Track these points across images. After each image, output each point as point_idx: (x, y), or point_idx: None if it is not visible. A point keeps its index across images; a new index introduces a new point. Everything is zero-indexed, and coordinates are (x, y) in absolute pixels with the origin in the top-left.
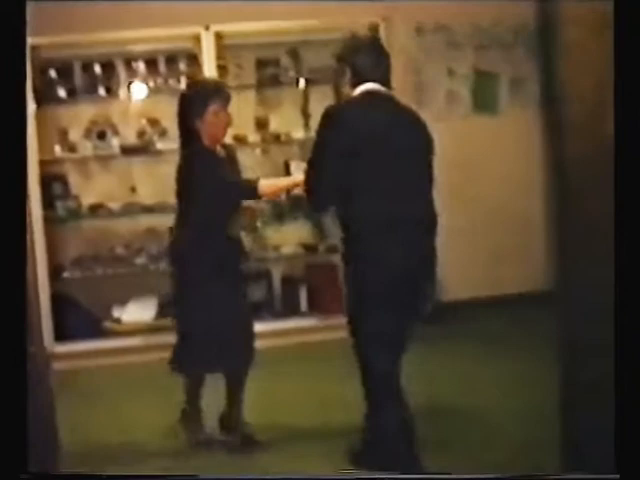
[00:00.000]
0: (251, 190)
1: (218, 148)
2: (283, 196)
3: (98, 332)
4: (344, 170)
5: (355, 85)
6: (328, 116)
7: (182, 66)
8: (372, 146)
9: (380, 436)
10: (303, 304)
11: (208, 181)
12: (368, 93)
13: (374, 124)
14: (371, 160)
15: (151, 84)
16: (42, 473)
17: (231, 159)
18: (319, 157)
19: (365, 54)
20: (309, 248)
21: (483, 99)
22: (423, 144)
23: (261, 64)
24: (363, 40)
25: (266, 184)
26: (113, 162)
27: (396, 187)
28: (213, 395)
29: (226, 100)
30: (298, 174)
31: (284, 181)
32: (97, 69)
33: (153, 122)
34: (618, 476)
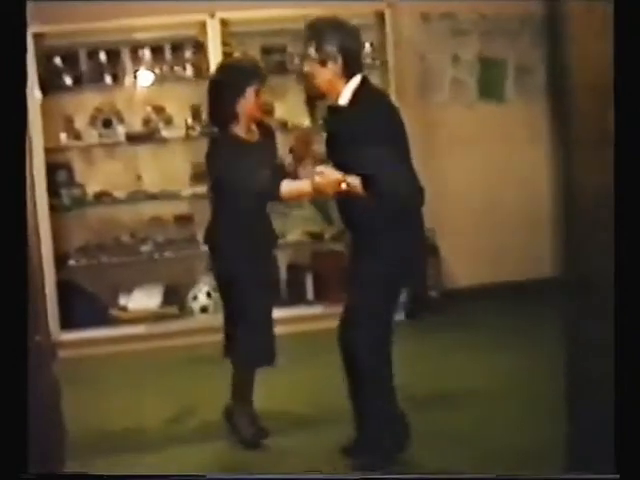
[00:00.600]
0: (271, 192)
1: (253, 130)
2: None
3: (104, 320)
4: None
5: (345, 75)
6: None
7: (188, 54)
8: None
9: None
10: (309, 292)
11: (231, 173)
12: (365, 87)
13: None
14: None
15: (157, 72)
16: (42, 473)
17: (267, 142)
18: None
19: (355, 41)
20: (315, 236)
21: (489, 87)
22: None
23: (266, 51)
24: (348, 25)
25: (288, 188)
26: (118, 150)
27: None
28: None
29: (263, 80)
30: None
31: (307, 187)
32: (102, 57)
33: (158, 110)
34: (618, 476)
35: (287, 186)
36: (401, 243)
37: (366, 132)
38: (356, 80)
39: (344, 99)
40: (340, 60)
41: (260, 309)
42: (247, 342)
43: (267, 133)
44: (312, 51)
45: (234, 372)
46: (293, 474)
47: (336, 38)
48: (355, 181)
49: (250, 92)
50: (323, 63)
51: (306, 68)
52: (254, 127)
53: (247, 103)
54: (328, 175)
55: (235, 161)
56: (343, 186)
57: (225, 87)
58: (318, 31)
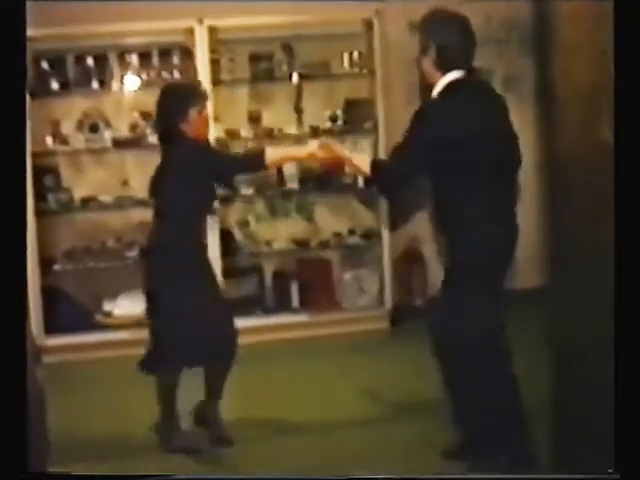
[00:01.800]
0: (257, 160)
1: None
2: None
3: (89, 325)
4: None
5: (441, 69)
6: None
7: (175, 60)
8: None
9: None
10: (295, 300)
11: (202, 165)
12: (461, 84)
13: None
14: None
15: (144, 77)
16: (42, 473)
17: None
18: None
19: (455, 38)
20: (301, 243)
21: None
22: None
23: (254, 58)
24: (450, 17)
25: (273, 152)
26: (105, 155)
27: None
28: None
29: (205, 100)
30: (309, 146)
31: (294, 151)
32: (90, 61)
33: (146, 115)
34: (618, 476)
35: (273, 152)
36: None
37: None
38: (452, 75)
39: (436, 91)
40: (434, 53)
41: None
42: (157, 346)
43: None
44: (419, 39)
45: (158, 382)
46: (293, 474)
47: (433, 30)
48: (362, 162)
49: (192, 113)
50: (423, 52)
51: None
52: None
53: (189, 123)
54: (334, 149)
55: (206, 150)
56: (347, 169)
57: (167, 110)
58: (424, 22)
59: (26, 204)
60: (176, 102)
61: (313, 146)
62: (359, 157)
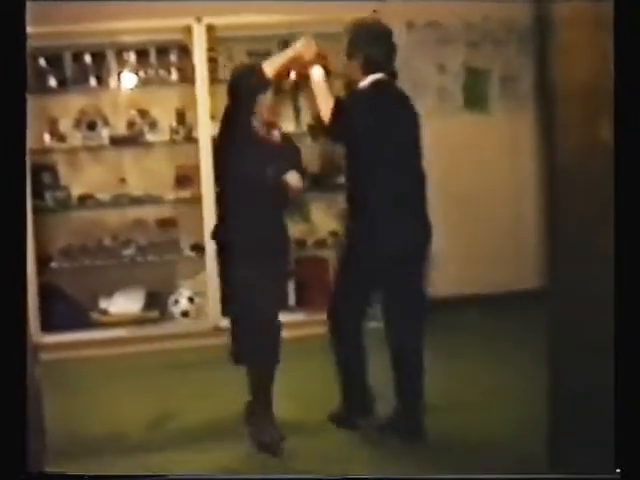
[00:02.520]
0: (258, 74)
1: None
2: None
3: (85, 323)
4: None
5: (365, 73)
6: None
7: (173, 58)
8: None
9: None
10: (291, 298)
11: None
12: (378, 82)
13: (385, 111)
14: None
15: (142, 75)
16: (42, 473)
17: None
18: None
19: (379, 45)
20: (298, 242)
21: (474, 96)
22: (418, 131)
23: (252, 56)
24: (375, 29)
25: (268, 64)
26: (103, 153)
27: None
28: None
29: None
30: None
31: (285, 54)
32: (88, 59)
33: (143, 113)
34: (618, 476)
35: (268, 63)
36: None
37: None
38: (376, 76)
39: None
40: (361, 59)
41: (266, 309)
42: (255, 342)
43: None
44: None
45: (250, 374)
46: (292, 474)
47: (361, 40)
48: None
49: (267, 97)
50: (350, 57)
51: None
52: (275, 132)
53: (262, 108)
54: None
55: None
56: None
57: (246, 91)
58: (353, 31)
59: (26, 202)
60: (253, 85)
61: (300, 44)
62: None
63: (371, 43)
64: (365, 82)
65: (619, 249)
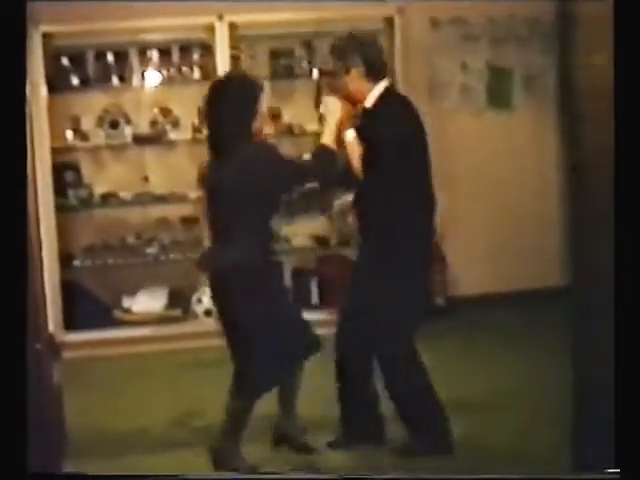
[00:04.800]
0: (329, 154)
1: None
2: None
3: (108, 321)
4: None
5: (371, 80)
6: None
7: (195, 56)
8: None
9: None
10: (314, 296)
11: (278, 183)
12: (390, 91)
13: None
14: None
15: (164, 73)
16: (42, 473)
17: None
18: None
19: (375, 51)
20: (321, 241)
21: (497, 94)
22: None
23: (275, 55)
24: (365, 36)
25: (327, 138)
26: (125, 151)
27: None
28: None
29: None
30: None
31: (331, 124)
32: (110, 58)
33: (166, 112)
34: (618, 476)
35: (326, 138)
36: None
37: (382, 131)
38: (382, 84)
39: (369, 103)
40: (363, 66)
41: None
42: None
43: None
44: (338, 64)
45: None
46: (292, 474)
47: (356, 47)
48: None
49: (261, 109)
50: (348, 70)
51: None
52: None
53: (258, 118)
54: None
55: (278, 156)
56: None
57: (239, 103)
58: (342, 43)
59: (27, 202)
60: (247, 95)
61: (334, 107)
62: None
63: (368, 46)
64: (374, 94)
65: (619, 249)
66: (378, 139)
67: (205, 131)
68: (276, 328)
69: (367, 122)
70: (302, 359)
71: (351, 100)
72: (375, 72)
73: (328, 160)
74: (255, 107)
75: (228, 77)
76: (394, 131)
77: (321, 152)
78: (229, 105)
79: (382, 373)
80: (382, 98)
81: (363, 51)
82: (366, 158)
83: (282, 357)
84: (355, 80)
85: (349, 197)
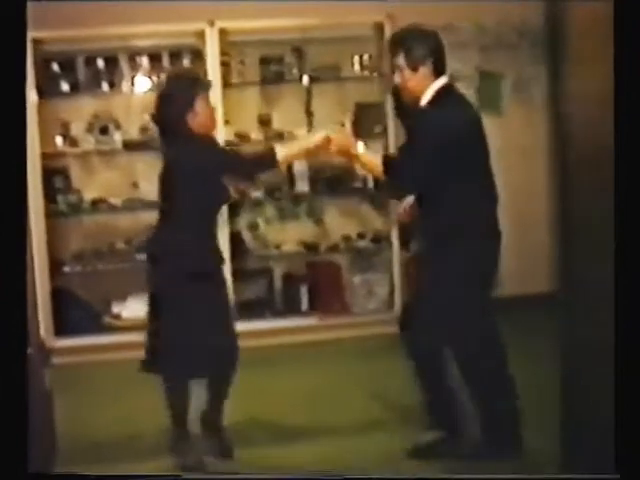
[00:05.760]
0: (268, 158)
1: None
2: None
3: (98, 327)
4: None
5: (436, 75)
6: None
7: (186, 62)
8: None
9: None
10: (304, 303)
11: (213, 165)
12: (448, 89)
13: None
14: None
15: (154, 79)
16: (42, 473)
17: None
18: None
19: (441, 45)
20: (310, 247)
21: (487, 100)
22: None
23: (265, 61)
24: (429, 32)
25: (283, 150)
26: (115, 157)
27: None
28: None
29: (209, 89)
30: (317, 135)
31: (302, 145)
32: (100, 63)
33: None
34: (618, 476)
35: (283, 149)
36: None
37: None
38: (440, 82)
39: (425, 99)
40: (431, 62)
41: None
42: (180, 353)
43: None
44: (401, 60)
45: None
46: (292, 474)
47: (424, 41)
48: (372, 158)
49: (200, 103)
50: (416, 66)
51: (397, 79)
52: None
53: (197, 115)
54: (343, 141)
55: (215, 149)
56: (353, 150)
57: (174, 98)
58: (410, 36)
59: (27, 207)
60: (182, 89)
61: (319, 137)
62: (368, 155)
63: (437, 44)
64: (430, 92)
65: (619, 249)
66: (433, 139)
67: None
68: (200, 327)
69: (422, 120)
70: (223, 370)
71: (407, 95)
72: (442, 67)
73: (266, 163)
74: (191, 102)
75: (170, 74)
76: (448, 131)
77: (267, 153)
78: (164, 99)
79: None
80: (439, 96)
81: (431, 45)
82: (420, 157)
83: (195, 358)
84: (420, 77)
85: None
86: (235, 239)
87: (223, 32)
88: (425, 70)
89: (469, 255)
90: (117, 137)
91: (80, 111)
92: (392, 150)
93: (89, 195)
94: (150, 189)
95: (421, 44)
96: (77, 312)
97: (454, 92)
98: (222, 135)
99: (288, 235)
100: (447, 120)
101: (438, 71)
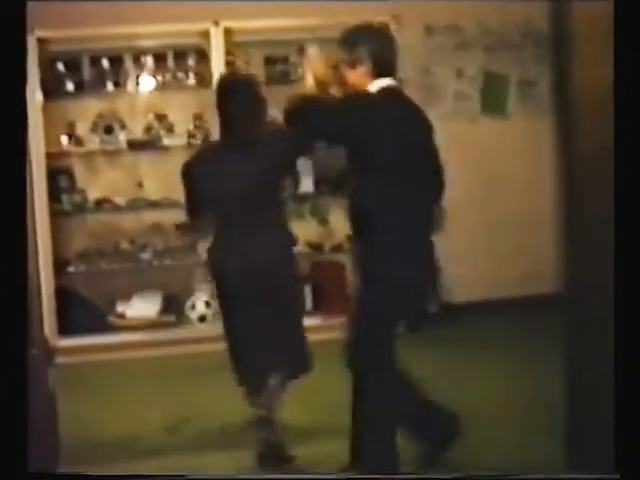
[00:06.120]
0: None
1: None
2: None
3: (102, 327)
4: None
5: (374, 77)
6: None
7: (191, 62)
8: (390, 141)
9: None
10: (308, 303)
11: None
12: (387, 90)
13: (395, 122)
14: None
15: (159, 79)
16: (42, 473)
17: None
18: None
19: (387, 47)
20: (315, 247)
21: (492, 101)
22: (431, 143)
23: (270, 61)
24: (383, 32)
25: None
26: (120, 157)
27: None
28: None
29: None
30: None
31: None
32: (105, 63)
33: (160, 117)
34: (618, 476)
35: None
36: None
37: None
38: (381, 82)
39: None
40: (370, 63)
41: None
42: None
43: None
44: (343, 55)
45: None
46: (292, 474)
47: (367, 41)
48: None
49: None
50: (354, 64)
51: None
52: None
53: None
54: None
55: None
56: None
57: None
58: (355, 34)
59: (26, 207)
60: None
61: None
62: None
63: (381, 46)
64: (372, 89)
65: (619, 249)
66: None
67: (199, 137)
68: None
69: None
70: (290, 375)
71: (350, 89)
72: (380, 71)
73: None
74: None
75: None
76: (383, 131)
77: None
78: (244, 101)
79: None
80: (383, 91)
81: (373, 46)
82: (354, 155)
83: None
84: (358, 75)
85: None
86: None
87: (228, 32)
88: (363, 69)
89: None
90: (122, 137)
91: (85, 111)
92: None
93: (93, 195)
94: (154, 189)
95: (362, 44)
96: (81, 311)
97: (400, 95)
98: None
99: None
100: (391, 107)
101: (379, 72)
